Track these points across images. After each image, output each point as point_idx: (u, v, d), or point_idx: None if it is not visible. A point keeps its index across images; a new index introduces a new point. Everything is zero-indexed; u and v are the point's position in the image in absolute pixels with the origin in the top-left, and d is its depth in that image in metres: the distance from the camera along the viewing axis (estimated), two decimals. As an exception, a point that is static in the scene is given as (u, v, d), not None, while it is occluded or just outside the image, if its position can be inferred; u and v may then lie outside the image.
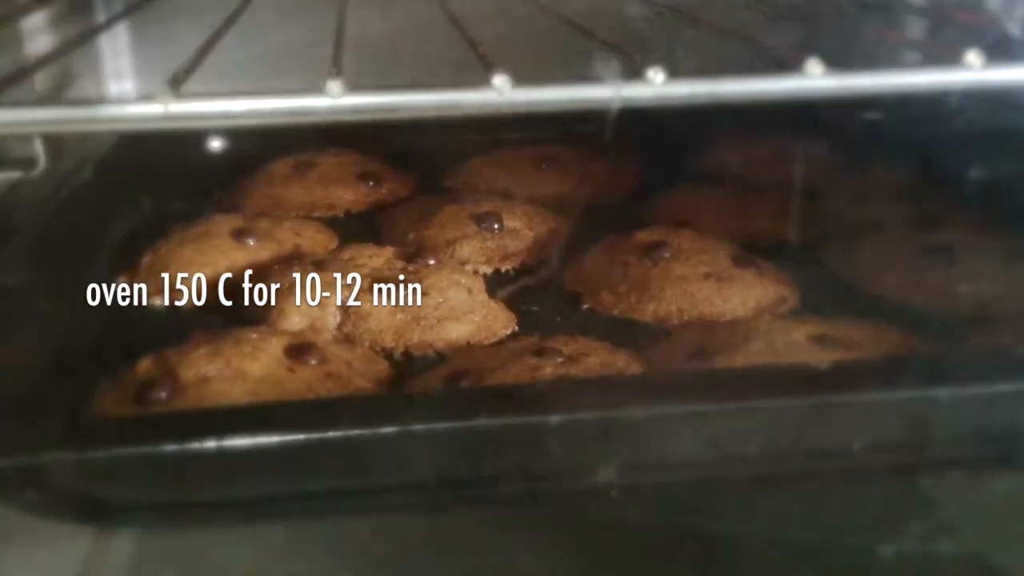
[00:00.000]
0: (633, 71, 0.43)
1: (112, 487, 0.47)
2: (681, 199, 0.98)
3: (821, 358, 0.63)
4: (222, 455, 0.44)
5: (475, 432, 0.46)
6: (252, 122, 0.42)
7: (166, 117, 0.41)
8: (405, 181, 1.07)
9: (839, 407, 0.49)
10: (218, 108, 0.41)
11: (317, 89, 0.42)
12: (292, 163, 1.05)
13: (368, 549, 0.60)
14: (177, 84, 0.42)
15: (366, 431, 0.45)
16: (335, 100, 0.41)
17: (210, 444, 0.44)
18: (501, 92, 0.42)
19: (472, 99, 0.43)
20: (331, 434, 0.45)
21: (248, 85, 0.44)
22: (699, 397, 0.49)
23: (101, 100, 0.42)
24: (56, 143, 0.81)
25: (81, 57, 1.05)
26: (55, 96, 0.88)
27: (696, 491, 0.52)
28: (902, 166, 0.99)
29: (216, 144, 1.14)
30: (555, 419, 0.47)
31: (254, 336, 0.66)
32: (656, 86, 0.43)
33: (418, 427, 0.45)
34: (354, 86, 0.42)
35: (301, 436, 0.45)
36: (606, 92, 0.42)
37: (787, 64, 0.45)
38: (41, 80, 0.93)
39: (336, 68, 0.45)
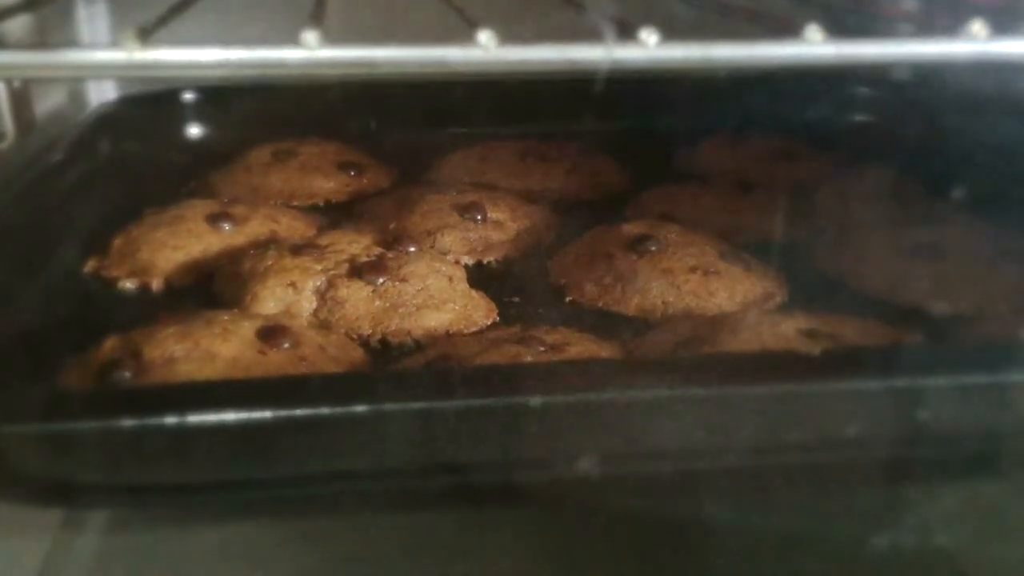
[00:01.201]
0: (626, 32, 0.41)
1: (67, 464, 0.44)
2: (668, 196, 0.96)
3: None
4: (181, 433, 0.42)
5: (449, 413, 0.43)
6: (222, 73, 0.40)
7: (130, 64, 0.38)
8: (387, 173, 1.05)
9: (829, 396, 0.47)
10: (185, 57, 0.39)
11: (293, 41, 0.39)
12: (272, 151, 1.03)
13: (338, 538, 0.57)
14: (146, 33, 0.39)
15: (334, 409, 0.42)
16: (311, 52, 0.39)
17: (169, 420, 0.42)
18: (487, 49, 0.40)
19: (457, 56, 0.40)
20: (298, 412, 0.43)
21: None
22: (684, 380, 0.47)
23: (63, 44, 0.40)
24: (26, 117, 0.79)
25: (56, 19, 1.02)
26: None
27: (677, 482, 0.50)
28: (889, 165, 0.98)
29: (195, 132, 1.12)
30: (534, 401, 0.45)
31: (225, 318, 0.64)
32: (649, 48, 0.41)
33: (391, 406, 0.43)
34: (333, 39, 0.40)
35: (265, 414, 0.43)
36: (597, 53, 0.41)
37: (785, 29, 0.43)
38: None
39: (316, 20, 0.42)
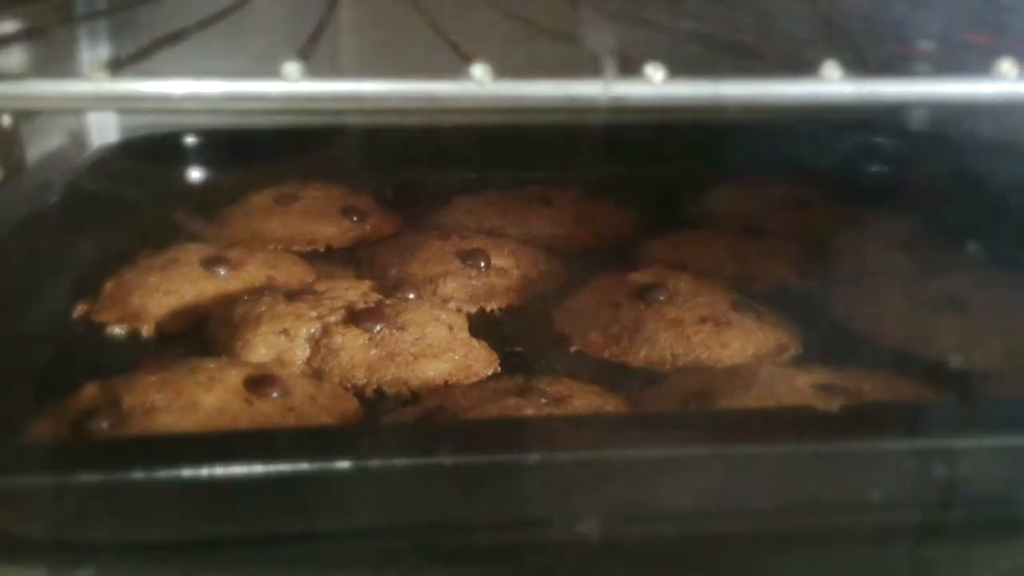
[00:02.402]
0: (629, 67, 0.39)
1: (29, 519, 0.41)
2: (676, 243, 0.93)
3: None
4: (145, 487, 0.39)
5: (436, 471, 0.40)
6: (196, 107, 0.37)
7: (98, 96, 0.36)
8: (391, 218, 1.03)
9: (849, 456, 0.43)
10: (156, 90, 0.37)
11: (274, 73, 0.37)
12: (273, 195, 1.01)
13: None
14: (118, 65, 0.37)
15: (308, 465, 0.39)
16: (291, 85, 0.37)
17: (136, 475, 0.38)
18: (481, 83, 0.38)
19: (448, 91, 0.38)
20: (265, 468, 0.39)
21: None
22: (693, 439, 0.43)
23: (28, 75, 0.38)
24: (16, 157, 0.77)
25: (58, 54, 1.01)
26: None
27: (687, 545, 0.47)
28: (905, 211, 0.96)
29: (196, 175, 1.10)
30: (532, 457, 0.42)
31: (211, 366, 0.61)
32: (655, 84, 0.38)
33: (374, 463, 0.40)
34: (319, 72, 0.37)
35: (239, 468, 0.39)
36: (594, 89, 0.38)
37: (801, 66, 0.40)
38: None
39: (303, 53, 0.40)
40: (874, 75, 0.40)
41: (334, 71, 0.43)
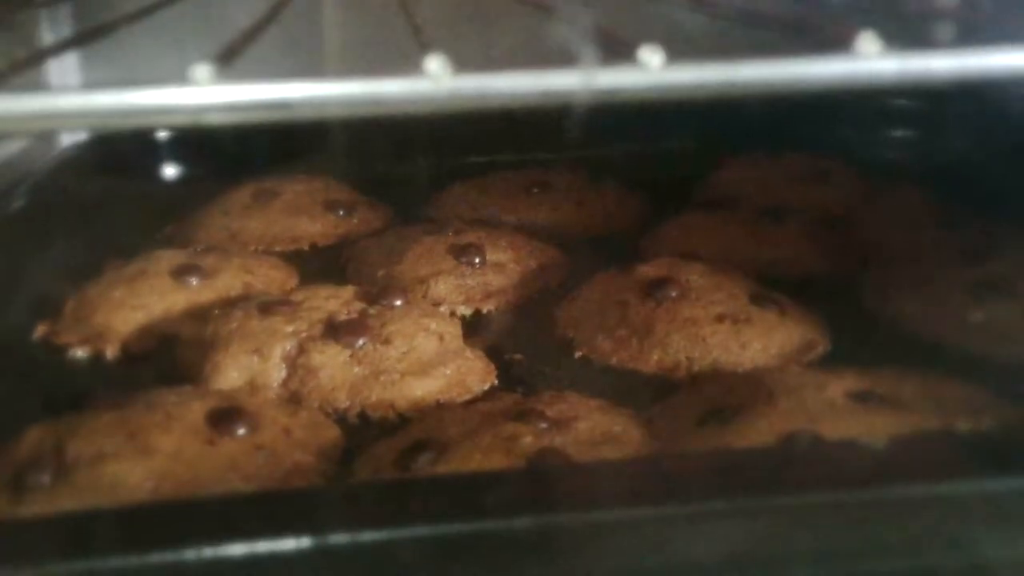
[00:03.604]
0: (620, 52, 0.32)
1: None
2: (688, 228, 0.86)
3: (867, 424, 0.51)
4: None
5: (409, 543, 0.34)
6: (85, 123, 0.30)
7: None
8: (380, 212, 0.96)
9: (900, 505, 0.36)
10: (35, 107, 0.30)
11: (180, 78, 0.30)
12: (252, 191, 0.94)
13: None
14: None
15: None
16: (200, 91, 0.30)
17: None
18: (436, 80, 0.31)
19: (395, 90, 0.31)
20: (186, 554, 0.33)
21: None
22: (714, 492, 0.36)
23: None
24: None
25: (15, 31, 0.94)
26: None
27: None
28: (934, 184, 0.88)
29: (171, 172, 1.03)
30: (522, 522, 0.35)
31: (172, 400, 0.54)
32: (652, 72, 0.31)
33: (335, 538, 0.33)
34: (239, 73, 0.30)
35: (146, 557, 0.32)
36: (573, 80, 0.31)
37: (831, 42, 0.33)
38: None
39: (225, 56, 0.33)
40: (920, 49, 0.33)
41: (315, 68, 0.36)
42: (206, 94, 0.30)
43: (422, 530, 0.35)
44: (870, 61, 0.33)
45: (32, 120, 0.30)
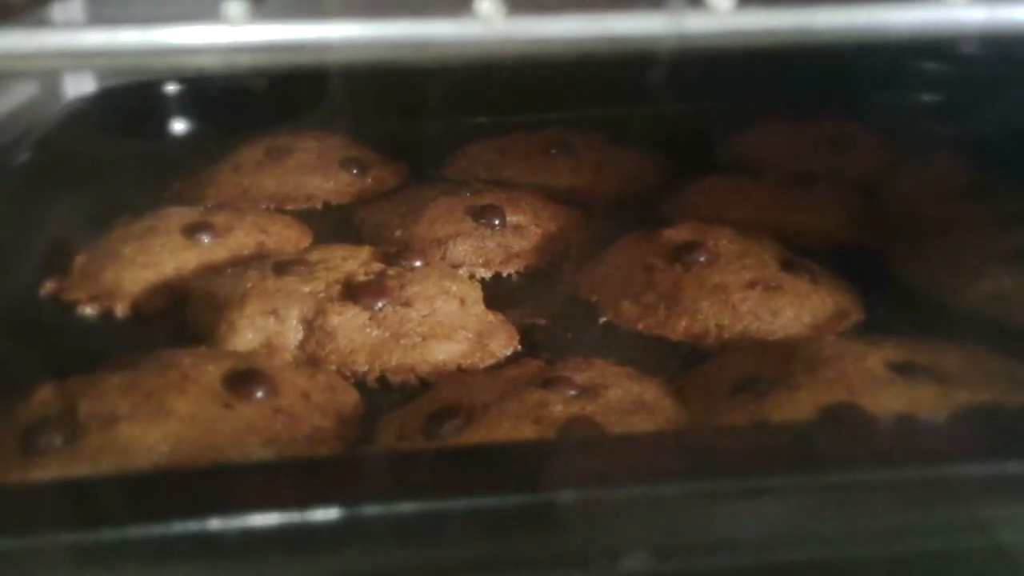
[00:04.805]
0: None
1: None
2: (713, 192, 0.83)
3: (912, 397, 0.49)
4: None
5: (446, 515, 0.32)
6: (108, 63, 0.28)
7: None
8: (395, 169, 0.93)
9: (959, 482, 0.34)
10: (37, 44, 0.27)
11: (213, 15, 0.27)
12: (264, 147, 0.91)
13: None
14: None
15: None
16: (233, 30, 0.27)
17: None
18: (488, 22, 0.28)
19: (444, 33, 0.28)
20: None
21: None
22: (762, 466, 0.34)
23: None
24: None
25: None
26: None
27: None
28: (965, 148, 0.85)
29: (180, 127, 1.00)
30: (566, 495, 0.33)
31: (186, 361, 0.52)
32: (720, 14, 0.29)
33: (368, 509, 0.31)
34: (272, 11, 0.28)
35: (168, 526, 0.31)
36: (657, 23, 0.28)
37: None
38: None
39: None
40: (1008, -2, 0.31)
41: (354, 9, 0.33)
42: (240, 33, 0.28)
43: (463, 503, 0.33)
44: (956, 9, 0.31)
45: (49, 58, 0.27)
